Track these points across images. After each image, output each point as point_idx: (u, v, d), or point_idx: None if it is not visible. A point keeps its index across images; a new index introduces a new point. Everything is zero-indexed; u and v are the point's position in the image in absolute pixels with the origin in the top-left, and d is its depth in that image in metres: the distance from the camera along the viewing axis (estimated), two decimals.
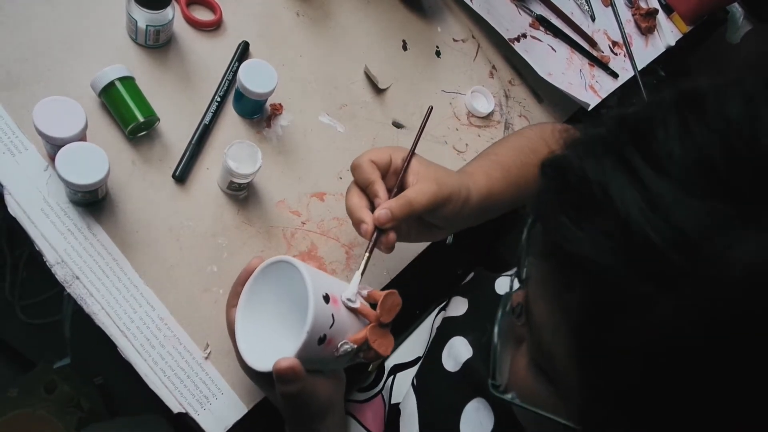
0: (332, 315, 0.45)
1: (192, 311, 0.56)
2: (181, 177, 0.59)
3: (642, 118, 0.28)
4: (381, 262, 0.67)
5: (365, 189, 0.51)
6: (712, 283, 0.23)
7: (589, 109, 0.88)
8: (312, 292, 0.43)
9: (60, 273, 0.52)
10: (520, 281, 0.38)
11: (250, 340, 0.47)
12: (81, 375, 1.04)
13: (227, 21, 0.68)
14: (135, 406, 1.07)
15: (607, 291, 0.26)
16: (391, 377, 0.63)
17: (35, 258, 0.53)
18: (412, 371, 0.62)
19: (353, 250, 0.66)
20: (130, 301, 0.54)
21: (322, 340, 0.44)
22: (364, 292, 0.49)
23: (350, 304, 0.47)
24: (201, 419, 0.53)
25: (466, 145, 0.79)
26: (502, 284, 0.60)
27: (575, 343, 0.29)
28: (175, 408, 0.53)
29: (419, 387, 0.56)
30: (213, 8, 0.68)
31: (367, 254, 0.49)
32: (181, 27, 0.65)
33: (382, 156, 0.51)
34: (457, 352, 0.55)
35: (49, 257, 0.52)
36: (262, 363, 0.44)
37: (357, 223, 0.50)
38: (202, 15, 0.67)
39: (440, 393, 0.55)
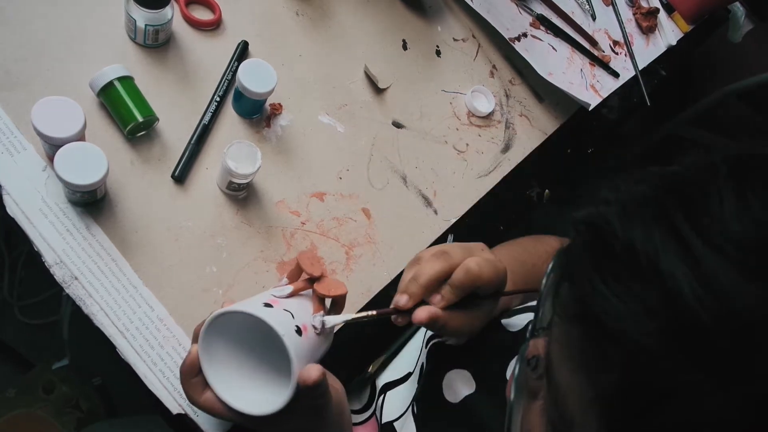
0: (284, 311, 0.44)
1: (191, 312, 0.56)
2: (180, 177, 0.59)
3: (692, 184, 0.25)
4: (381, 262, 0.67)
5: (428, 281, 0.47)
6: None
7: (590, 108, 0.87)
8: (253, 311, 0.42)
9: (59, 273, 0.52)
10: (536, 330, 0.35)
11: (234, 391, 0.44)
12: (80, 376, 1.03)
13: (226, 20, 0.68)
14: (134, 407, 1.06)
15: (648, 374, 0.23)
16: (382, 396, 0.62)
17: (34, 258, 0.53)
18: (402, 388, 0.61)
19: (353, 250, 0.66)
20: (129, 302, 0.54)
21: (299, 331, 0.43)
22: (287, 291, 0.48)
23: (281, 293, 0.46)
24: (200, 420, 0.53)
25: (467, 144, 0.79)
26: (511, 322, 0.56)
27: (605, 421, 0.26)
28: (175, 409, 0.53)
29: (420, 416, 0.55)
30: (212, 8, 0.67)
31: (373, 312, 0.47)
32: (180, 26, 0.65)
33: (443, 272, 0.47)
34: (457, 384, 0.53)
35: (48, 258, 0.52)
36: (261, 406, 0.43)
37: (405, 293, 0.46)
38: (202, 14, 0.67)
39: (441, 428, 0.53)
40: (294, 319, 0.44)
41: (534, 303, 0.44)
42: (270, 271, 0.61)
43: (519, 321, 0.55)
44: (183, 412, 0.53)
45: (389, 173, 0.72)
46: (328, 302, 0.50)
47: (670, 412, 0.23)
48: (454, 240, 0.73)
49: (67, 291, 0.52)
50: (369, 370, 0.64)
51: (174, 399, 0.53)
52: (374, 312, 0.47)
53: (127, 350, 0.53)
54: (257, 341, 0.47)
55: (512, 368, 0.36)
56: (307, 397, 0.42)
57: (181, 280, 0.56)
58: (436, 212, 0.73)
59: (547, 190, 0.84)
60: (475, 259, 0.46)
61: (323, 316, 0.47)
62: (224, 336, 0.45)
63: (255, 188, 0.63)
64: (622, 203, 0.27)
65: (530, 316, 0.54)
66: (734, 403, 0.22)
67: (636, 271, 0.24)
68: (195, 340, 0.45)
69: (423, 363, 0.59)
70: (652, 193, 0.26)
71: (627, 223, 0.25)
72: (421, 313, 0.45)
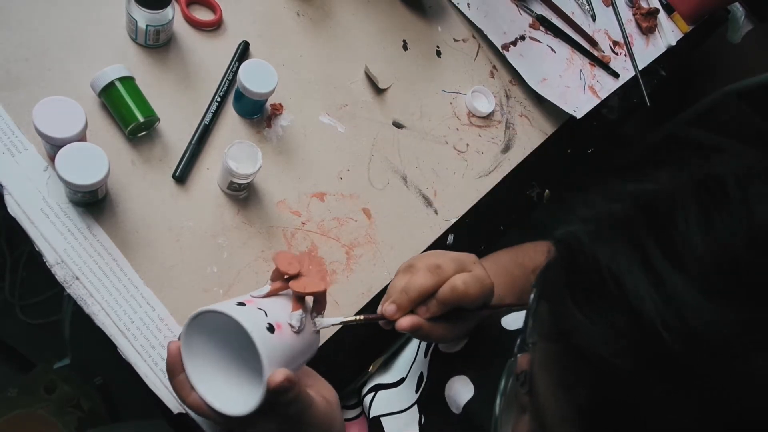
0: (257, 309, 0.44)
1: (192, 311, 0.56)
2: (181, 177, 0.59)
3: (661, 203, 0.26)
4: (381, 262, 0.67)
5: (417, 295, 0.48)
6: (732, 391, 0.22)
7: (579, 117, 0.87)
8: (222, 308, 0.42)
9: (60, 273, 0.52)
10: (525, 345, 0.36)
11: (214, 390, 0.45)
12: (81, 375, 1.04)
13: (227, 21, 0.68)
14: (135, 406, 1.07)
15: (618, 390, 0.24)
16: (372, 393, 0.62)
17: (35, 258, 0.53)
18: (394, 391, 0.61)
19: (354, 250, 0.66)
20: (130, 302, 0.54)
21: (271, 328, 0.43)
22: (264, 291, 0.48)
23: (258, 293, 0.47)
24: (201, 420, 0.53)
25: (467, 145, 0.79)
26: (510, 321, 0.57)
27: None
28: (175, 408, 0.53)
29: (427, 429, 0.55)
30: (213, 8, 0.67)
31: (361, 317, 0.50)
32: (181, 27, 0.65)
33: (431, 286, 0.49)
34: (458, 391, 0.54)
35: (49, 258, 0.52)
36: (240, 406, 0.43)
37: (396, 302, 0.48)
38: (202, 15, 0.67)
39: None
40: (267, 317, 0.44)
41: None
42: (271, 271, 0.61)
43: (516, 320, 0.56)
44: (184, 412, 0.53)
45: (390, 173, 0.72)
46: (310, 303, 0.51)
47: (639, 425, 0.23)
48: (454, 240, 0.73)
49: (68, 291, 0.52)
50: (369, 370, 0.65)
51: (175, 399, 0.53)
52: (362, 317, 0.50)
53: (128, 350, 0.53)
54: (239, 342, 0.47)
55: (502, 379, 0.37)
56: (276, 403, 0.42)
57: (182, 280, 0.57)
58: (436, 212, 0.73)
59: (547, 190, 0.84)
60: (461, 277, 0.48)
61: (302, 314, 0.47)
62: (207, 336, 0.46)
63: (256, 188, 0.63)
64: (595, 222, 0.27)
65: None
66: (700, 415, 0.22)
67: (604, 290, 0.25)
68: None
69: (423, 373, 0.60)
70: (623, 211, 0.27)
71: (596, 241, 0.26)
72: (404, 322, 0.48)
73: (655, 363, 0.23)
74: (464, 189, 0.77)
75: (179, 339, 0.45)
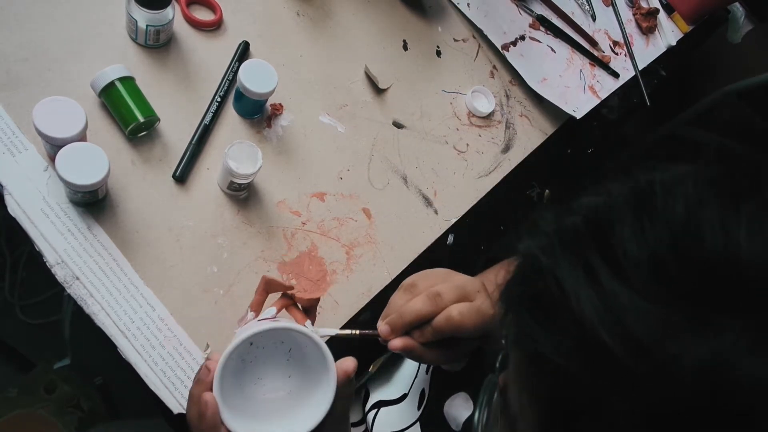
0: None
1: (192, 311, 0.56)
2: (182, 177, 0.59)
3: (604, 212, 0.27)
4: (381, 262, 0.67)
5: (412, 320, 0.49)
6: (662, 385, 0.23)
7: (579, 117, 0.87)
8: (276, 326, 0.42)
9: (60, 273, 0.52)
10: (505, 364, 0.37)
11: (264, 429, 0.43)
12: (81, 375, 1.04)
13: (227, 21, 0.68)
14: (135, 406, 1.07)
15: (566, 389, 0.25)
16: (375, 410, 0.63)
17: (35, 258, 0.53)
18: (397, 408, 0.62)
19: (354, 250, 0.66)
20: (130, 302, 0.54)
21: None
22: (272, 312, 0.49)
23: (269, 315, 0.48)
24: None
25: (467, 145, 0.79)
26: None
27: None
28: (176, 408, 0.53)
29: None
30: (213, 8, 0.67)
31: (356, 332, 0.51)
32: (181, 27, 0.65)
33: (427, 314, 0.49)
34: (457, 409, 0.54)
35: (49, 258, 0.52)
36: (301, 425, 0.41)
37: (394, 324, 0.49)
38: (203, 15, 0.67)
39: None
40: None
41: None
42: (271, 270, 0.61)
43: None
44: (184, 412, 0.53)
45: (390, 173, 0.72)
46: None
47: (587, 423, 0.25)
48: (454, 240, 0.73)
49: (68, 291, 0.52)
50: (369, 370, 0.65)
51: (175, 399, 0.53)
52: (357, 332, 0.51)
53: (128, 350, 0.53)
54: (256, 373, 0.47)
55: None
56: (343, 394, 0.43)
57: (182, 280, 0.57)
58: (436, 212, 0.73)
59: (547, 190, 0.84)
60: (458, 307, 0.48)
61: (311, 325, 0.48)
62: (230, 381, 0.43)
63: (256, 188, 0.63)
64: (548, 235, 0.28)
65: None
66: (636, 410, 0.23)
67: (551, 298, 0.26)
68: (201, 388, 0.41)
69: (424, 389, 0.60)
70: (572, 224, 0.28)
71: (545, 253, 0.27)
72: (397, 343, 0.49)
73: (598, 364, 0.24)
74: (464, 189, 0.77)
75: (196, 389, 0.42)
